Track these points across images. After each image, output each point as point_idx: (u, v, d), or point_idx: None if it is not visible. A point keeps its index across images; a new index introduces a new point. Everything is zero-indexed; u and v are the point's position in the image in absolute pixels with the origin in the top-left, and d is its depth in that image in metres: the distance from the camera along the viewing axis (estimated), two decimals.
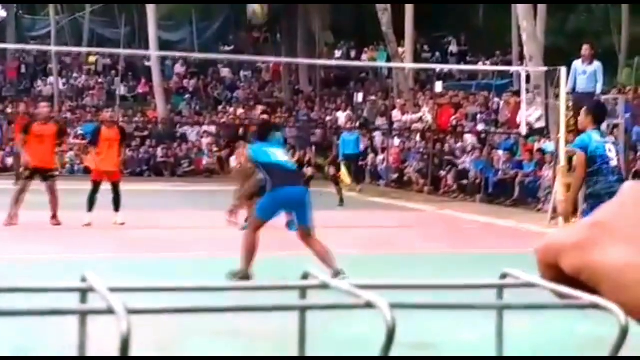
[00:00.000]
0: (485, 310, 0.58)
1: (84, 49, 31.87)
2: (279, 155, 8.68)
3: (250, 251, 8.24)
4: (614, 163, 8.58)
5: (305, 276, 1.84)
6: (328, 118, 28.32)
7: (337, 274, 7.82)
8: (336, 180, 17.94)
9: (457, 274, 8.52)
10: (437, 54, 32.98)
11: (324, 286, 1.77)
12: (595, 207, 6.62)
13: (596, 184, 8.42)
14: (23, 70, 32.41)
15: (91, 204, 12.59)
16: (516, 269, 0.65)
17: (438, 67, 30.34)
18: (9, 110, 27.24)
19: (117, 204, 12.76)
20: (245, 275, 8.17)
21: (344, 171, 19.40)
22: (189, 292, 1.68)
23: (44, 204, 12.54)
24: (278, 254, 9.87)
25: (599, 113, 9.15)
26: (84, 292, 1.84)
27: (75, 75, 32.25)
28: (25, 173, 12.76)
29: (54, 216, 12.55)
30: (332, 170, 18.53)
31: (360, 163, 22.54)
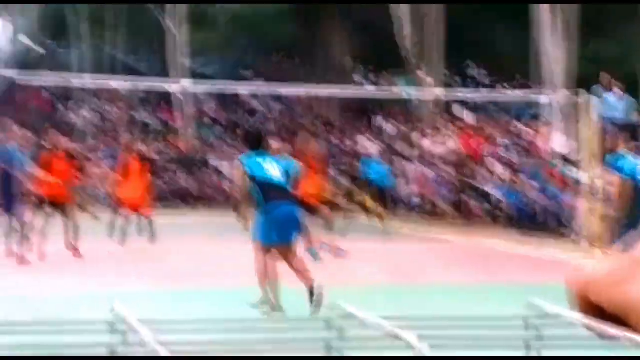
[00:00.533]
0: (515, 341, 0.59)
1: (112, 79, 32.16)
2: (273, 170, 8.50)
3: (263, 276, 8.20)
4: None
5: (332, 307, 1.89)
6: (351, 145, 28.26)
7: (311, 291, 7.99)
8: (366, 208, 17.70)
9: (488, 304, 8.42)
10: (464, 81, 32.86)
11: (350, 317, 1.81)
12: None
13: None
14: (53, 101, 32.74)
15: (115, 230, 12.67)
16: (545, 300, 0.65)
17: (465, 94, 30.26)
18: (41, 141, 27.47)
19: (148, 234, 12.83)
20: (268, 302, 8.15)
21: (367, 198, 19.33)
22: (220, 324, 1.72)
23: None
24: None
25: (630, 132, 9.00)
26: (113, 325, 1.91)
27: (103, 104, 32.52)
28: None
29: (73, 246, 12.70)
30: (362, 199, 18.39)
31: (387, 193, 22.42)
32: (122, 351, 2.64)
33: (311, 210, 13.26)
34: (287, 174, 8.60)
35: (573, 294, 0.59)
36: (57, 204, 12.67)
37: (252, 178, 8.43)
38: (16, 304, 8.56)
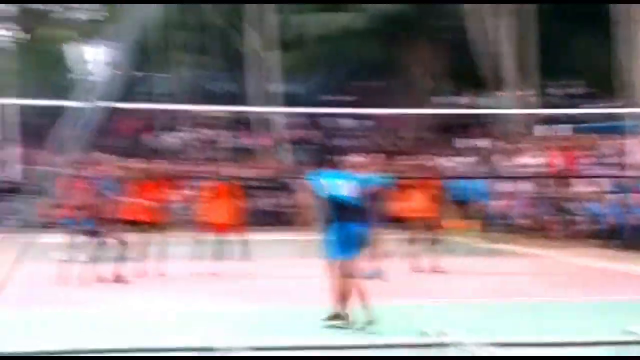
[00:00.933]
0: None
1: (207, 107, 32.79)
2: (342, 188, 8.49)
3: (337, 296, 8.32)
4: None
5: (423, 333, 1.83)
6: (447, 164, 28.04)
7: (336, 316, 8.20)
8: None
9: (586, 323, 8.18)
10: (560, 96, 32.31)
11: (444, 345, 1.73)
12: None
13: None
14: (147, 127, 33.53)
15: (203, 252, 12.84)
16: None
17: (563, 111, 29.71)
18: (135, 165, 28.11)
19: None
20: (340, 317, 8.32)
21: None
22: (311, 350, 1.67)
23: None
24: (396, 304, 9.80)
25: None
26: (204, 350, 1.86)
27: (199, 129, 33.14)
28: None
29: (158, 268, 12.92)
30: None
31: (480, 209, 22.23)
32: None
33: (411, 226, 13.35)
34: (357, 190, 8.54)
35: None
36: (147, 226, 12.97)
37: (321, 196, 8.44)
38: (124, 326, 8.73)
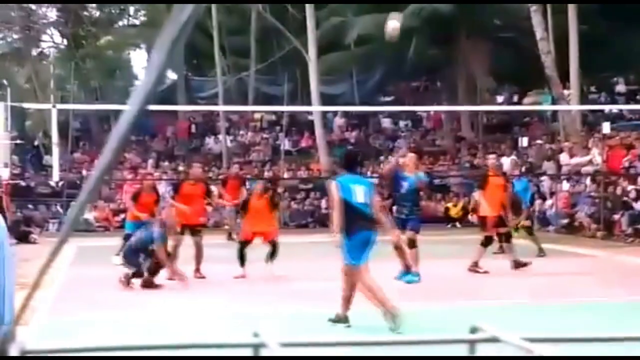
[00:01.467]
0: None
1: (249, 108, 32.98)
2: (360, 195, 8.71)
3: (374, 295, 8.51)
4: None
5: (473, 330, 1.77)
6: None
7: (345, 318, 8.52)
8: (529, 231, 17.01)
9: (635, 323, 8.08)
10: (604, 94, 31.95)
11: (494, 340, 1.68)
12: None
13: None
14: (193, 129, 33.86)
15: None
16: None
17: (606, 107, 29.36)
18: (180, 168, 28.49)
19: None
20: (343, 319, 8.66)
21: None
22: (350, 346, 1.61)
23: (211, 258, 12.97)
24: (442, 305, 9.75)
25: None
26: (256, 347, 1.76)
27: (241, 132, 33.37)
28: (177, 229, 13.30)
29: (198, 269, 13.08)
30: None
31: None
32: None
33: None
34: (371, 196, 8.81)
35: None
36: (191, 229, 13.14)
37: (343, 200, 8.69)
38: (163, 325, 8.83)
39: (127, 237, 15.05)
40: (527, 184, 21.38)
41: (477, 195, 14.25)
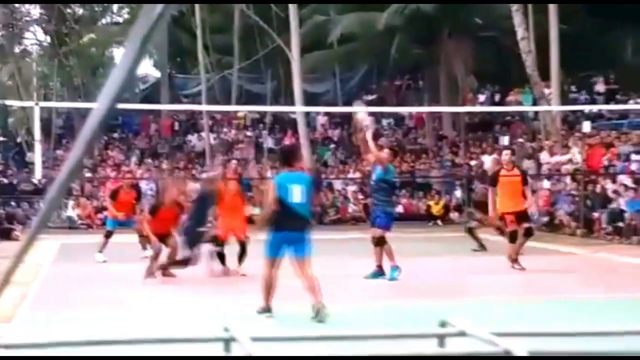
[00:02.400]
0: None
1: (231, 108, 32.93)
2: (297, 194, 8.77)
3: (267, 288, 8.86)
4: None
5: (443, 324, 1.85)
6: (473, 162, 27.96)
7: (317, 310, 8.56)
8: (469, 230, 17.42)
9: (614, 319, 8.15)
10: (585, 93, 32.12)
11: (462, 334, 1.76)
12: None
13: None
14: (176, 127, 33.77)
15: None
16: None
17: (587, 107, 29.53)
18: (164, 166, 28.43)
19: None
20: (267, 309, 8.89)
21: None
22: (332, 341, 1.71)
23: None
24: (412, 302, 9.83)
25: None
26: (227, 342, 1.93)
27: (225, 129, 33.31)
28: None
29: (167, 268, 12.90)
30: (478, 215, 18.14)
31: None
32: None
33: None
34: (307, 194, 8.84)
35: None
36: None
37: (278, 199, 8.78)
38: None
39: (108, 235, 15.02)
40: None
41: (490, 193, 14.06)
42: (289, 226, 8.68)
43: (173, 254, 12.34)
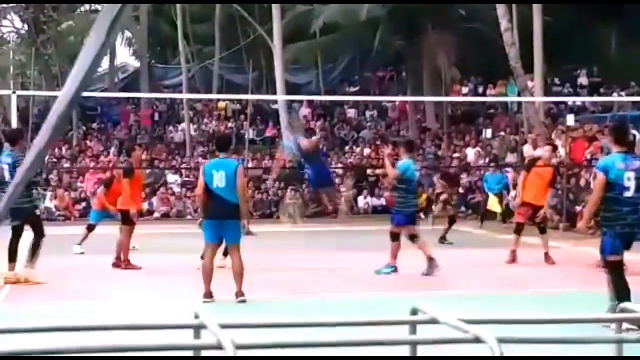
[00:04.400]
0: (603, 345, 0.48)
1: (213, 96, 32.75)
2: (217, 180, 9.25)
3: (207, 274, 9.30)
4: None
5: (414, 312, 1.77)
6: (456, 155, 27.97)
7: (240, 295, 9.16)
8: (453, 219, 17.57)
9: (589, 311, 8.12)
10: (568, 86, 32.19)
11: (434, 321, 1.69)
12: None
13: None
14: (156, 117, 33.55)
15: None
16: None
17: (570, 99, 29.59)
18: (144, 156, 28.24)
19: None
20: (208, 295, 9.25)
21: (494, 200, 20.95)
22: (301, 327, 1.63)
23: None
24: (383, 293, 9.85)
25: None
26: (197, 329, 1.85)
27: (205, 120, 33.14)
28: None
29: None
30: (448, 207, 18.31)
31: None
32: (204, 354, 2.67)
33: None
34: (230, 179, 9.23)
35: None
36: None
37: (204, 184, 9.36)
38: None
39: (90, 228, 14.81)
40: (501, 177, 21.77)
41: (520, 178, 14.17)
42: (216, 212, 9.23)
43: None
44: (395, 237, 11.95)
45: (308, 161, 15.16)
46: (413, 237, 11.94)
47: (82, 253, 14.47)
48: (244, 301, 9.17)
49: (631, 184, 7.87)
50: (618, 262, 7.96)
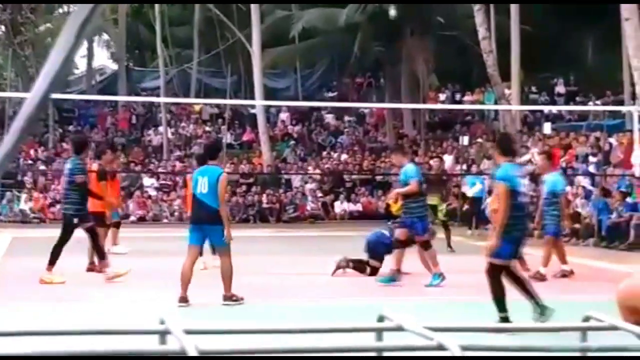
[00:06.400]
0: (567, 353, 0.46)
1: (191, 100, 32.65)
2: (201, 186, 9.52)
3: (185, 279, 9.37)
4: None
5: (380, 319, 1.73)
6: (433, 162, 28.01)
7: (227, 298, 9.27)
8: (446, 225, 17.53)
9: (561, 320, 8.14)
10: (545, 94, 32.39)
11: (399, 329, 1.64)
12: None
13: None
14: (134, 120, 33.37)
15: None
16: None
17: (546, 108, 29.77)
18: (122, 159, 28.07)
19: None
20: (183, 299, 9.30)
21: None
22: (268, 334, 1.57)
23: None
24: (353, 300, 9.86)
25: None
26: (162, 334, 1.77)
27: (183, 124, 33.01)
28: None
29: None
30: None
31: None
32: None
33: None
34: (211, 186, 9.45)
35: (617, 301, 0.47)
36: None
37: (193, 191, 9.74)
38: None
39: (116, 225, 14.42)
40: (480, 181, 21.90)
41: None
42: (199, 217, 9.57)
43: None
44: (403, 243, 11.58)
45: None
46: (410, 244, 11.69)
47: (125, 253, 14.16)
48: (229, 305, 9.29)
49: (524, 190, 8.39)
50: (505, 266, 8.22)
